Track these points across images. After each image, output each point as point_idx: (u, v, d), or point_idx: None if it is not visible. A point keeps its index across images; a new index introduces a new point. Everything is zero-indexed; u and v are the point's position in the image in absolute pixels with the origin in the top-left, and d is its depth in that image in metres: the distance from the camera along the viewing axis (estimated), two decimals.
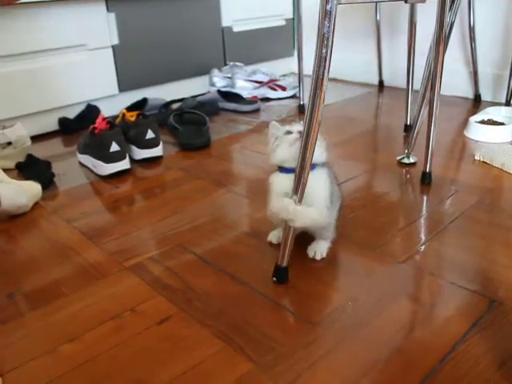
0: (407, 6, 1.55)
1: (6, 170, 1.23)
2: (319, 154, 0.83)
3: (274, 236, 0.97)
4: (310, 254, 0.91)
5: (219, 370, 0.66)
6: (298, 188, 0.77)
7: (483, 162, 1.31)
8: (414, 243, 0.95)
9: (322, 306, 0.79)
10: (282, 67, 2.49)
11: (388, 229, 1.01)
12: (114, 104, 1.87)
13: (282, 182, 0.84)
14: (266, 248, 0.96)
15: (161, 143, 1.46)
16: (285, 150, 0.84)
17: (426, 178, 1.21)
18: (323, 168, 0.86)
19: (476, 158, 1.33)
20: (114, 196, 1.24)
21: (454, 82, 1.96)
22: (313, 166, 0.81)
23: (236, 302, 0.80)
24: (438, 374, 0.64)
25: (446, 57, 1.12)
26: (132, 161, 1.42)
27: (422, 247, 0.94)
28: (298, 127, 0.84)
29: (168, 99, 1.90)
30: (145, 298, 0.82)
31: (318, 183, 0.84)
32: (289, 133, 0.85)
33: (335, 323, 0.74)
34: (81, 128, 1.70)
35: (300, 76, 1.88)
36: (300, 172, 0.76)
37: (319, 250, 0.91)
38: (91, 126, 1.39)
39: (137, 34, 1.89)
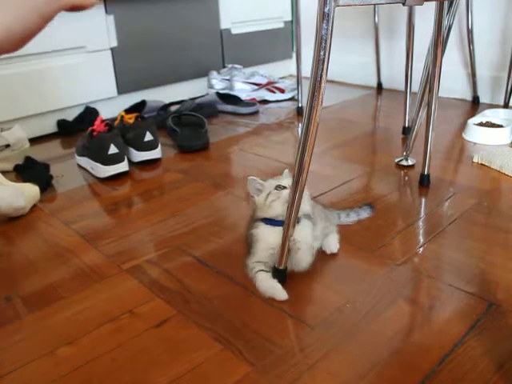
0: (405, 9, 1.56)
1: (4, 173, 1.23)
2: (309, 208, 0.85)
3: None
4: (327, 250, 0.93)
5: (217, 373, 0.66)
6: (296, 189, 0.77)
7: (481, 164, 1.31)
8: (412, 245, 0.95)
9: (320, 308, 0.79)
10: (281, 69, 2.50)
11: (386, 231, 1.01)
12: (113, 106, 1.87)
13: (271, 237, 0.84)
14: None
15: (159, 145, 1.46)
16: (281, 206, 0.83)
17: (424, 180, 1.21)
18: (307, 220, 0.86)
19: (474, 160, 1.33)
20: (112, 198, 1.23)
21: (453, 84, 1.96)
22: (298, 220, 0.84)
23: (234, 305, 0.80)
24: (436, 376, 0.64)
25: (444, 59, 1.12)
26: (130, 163, 1.42)
27: (421, 249, 0.94)
28: (287, 181, 0.85)
29: (167, 101, 1.90)
30: (143, 301, 0.82)
31: (306, 238, 0.84)
32: (279, 187, 0.84)
33: (333, 325, 0.74)
34: (79, 130, 1.70)
35: (298, 78, 1.88)
36: (298, 176, 0.76)
37: (333, 243, 0.94)
38: (90, 129, 1.39)
39: (135, 36, 1.89)
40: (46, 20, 0.39)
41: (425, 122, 1.19)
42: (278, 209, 0.83)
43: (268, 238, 0.84)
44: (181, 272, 0.90)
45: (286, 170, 0.89)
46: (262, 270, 0.84)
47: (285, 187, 0.84)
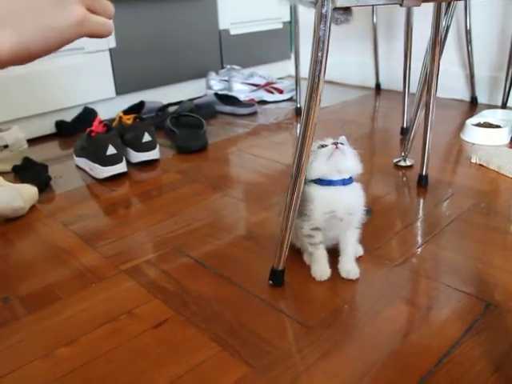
0: (404, 9, 1.56)
1: (2, 173, 1.23)
2: (356, 165, 0.84)
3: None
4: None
5: (215, 374, 0.66)
6: (294, 191, 0.77)
7: (479, 164, 1.32)
8: (410, 246, 0.95)
9: (318, 308, 0.79)
10: (279, 70, 2.49)
11: (384, 232, 1.01)
12: (111, 107, 1.87)
13: (326, 198, 0.82)
14: (262, 251, 0.96)
15: (157, 146, 1.46)
16: (322, 163, 0.81)
17: (422, 181, 1.21)
18: (357, 183, 0.85)
19: (472, 160, 1.34)
20: (110, 199, 1.23)
21: (451, 84, 1.97)
22: (350, 180, 0.83)
23: (232, 306, 0.80)
24: (434, 377, 0.64)
25: (442, 59, 1.13)
26: (129, 164, 1.42)
27: (419, 250, 0.94)
28: (331, 140, 0.84)
29: (165, 102, 1.90)
30: (141, 302, 0.82)
31: (359, 199, 0.84)
32: (323, 146, 0.83)
33: (331, 326, 0.74)
34: (78, 131, 1.70)
35: (297, 79, 1.89)
36: (296, 175, 0.76)
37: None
38: (88, 129, 1.39)
39: (134, 37, 1.89)
40: (63, 43, 0.38)
41: (423, 122, 1.19)
42: (319, 167, 0.82)
43: (324, 200, 0.82)
44: (179, 273, 0.90)
45: (343, 137, 0.87)
46: (321, 244, 0.85)
47: (326, 145, 0.82)
